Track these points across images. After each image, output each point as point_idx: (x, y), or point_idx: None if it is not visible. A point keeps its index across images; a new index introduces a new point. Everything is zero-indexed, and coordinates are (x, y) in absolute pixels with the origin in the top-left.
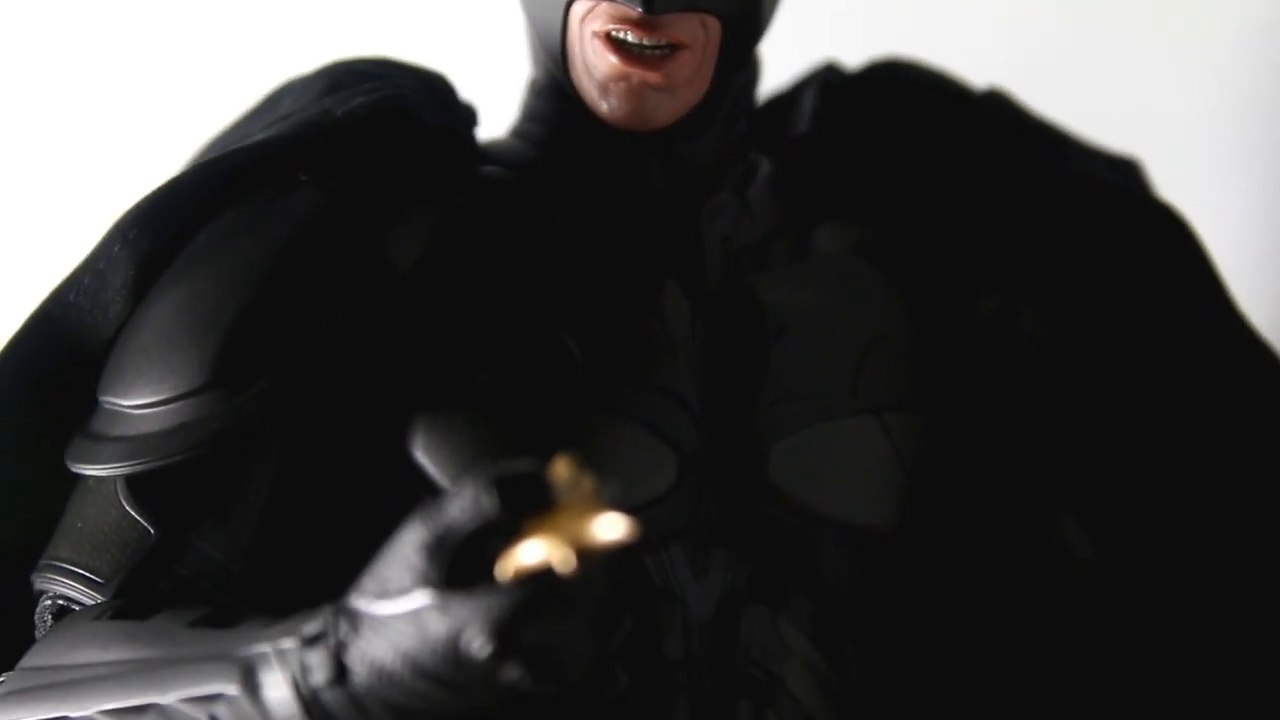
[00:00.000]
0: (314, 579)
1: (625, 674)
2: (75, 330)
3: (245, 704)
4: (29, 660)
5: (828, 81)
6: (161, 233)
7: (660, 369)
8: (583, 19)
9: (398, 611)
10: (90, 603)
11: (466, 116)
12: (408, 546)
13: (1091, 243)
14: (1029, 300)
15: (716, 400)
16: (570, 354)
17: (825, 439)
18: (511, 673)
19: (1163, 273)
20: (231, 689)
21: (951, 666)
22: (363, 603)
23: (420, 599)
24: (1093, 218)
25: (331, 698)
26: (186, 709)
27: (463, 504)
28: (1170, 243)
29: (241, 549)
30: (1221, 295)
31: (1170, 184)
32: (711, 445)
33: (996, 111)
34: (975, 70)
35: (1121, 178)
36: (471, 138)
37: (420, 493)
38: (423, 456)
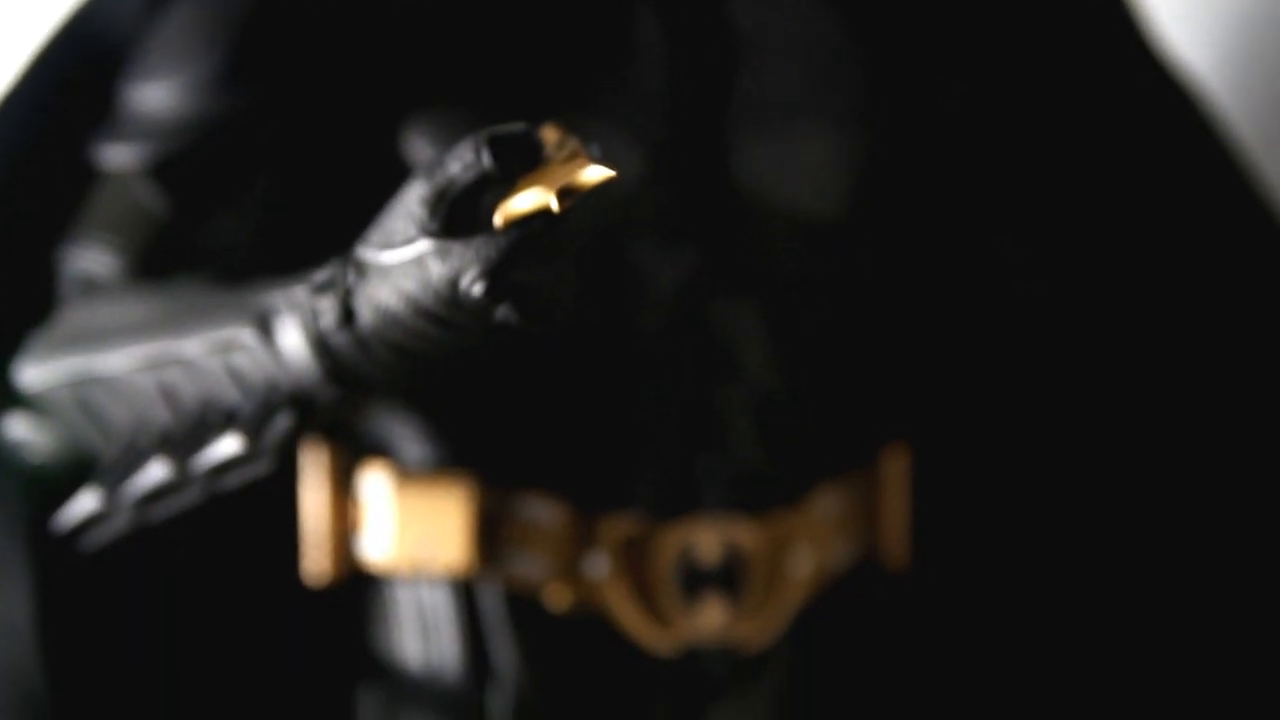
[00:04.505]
0: (312, 256)
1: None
2: (96, 42)
3: (260, 349)
4: (55, 322)
5: None
6: None
7: (632, 75)
8: None
9: (401, 258)
10: (111, 275)
11: None
12: (410, 200)
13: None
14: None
15: (686, 104)
16: (548, 57)
17: (784, 141)
18: (503, 311)
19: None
20: (246, 335)
21: (894, 351)
22: (369, 252)
23: (422, 246)
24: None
25: (339, 339)
26: (205, 360)
27: (461, 160)
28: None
29: (248, 229)
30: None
31: None
32: (679, 143)
33: None
34: None
35: None
36: None
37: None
38: (418, 141)
